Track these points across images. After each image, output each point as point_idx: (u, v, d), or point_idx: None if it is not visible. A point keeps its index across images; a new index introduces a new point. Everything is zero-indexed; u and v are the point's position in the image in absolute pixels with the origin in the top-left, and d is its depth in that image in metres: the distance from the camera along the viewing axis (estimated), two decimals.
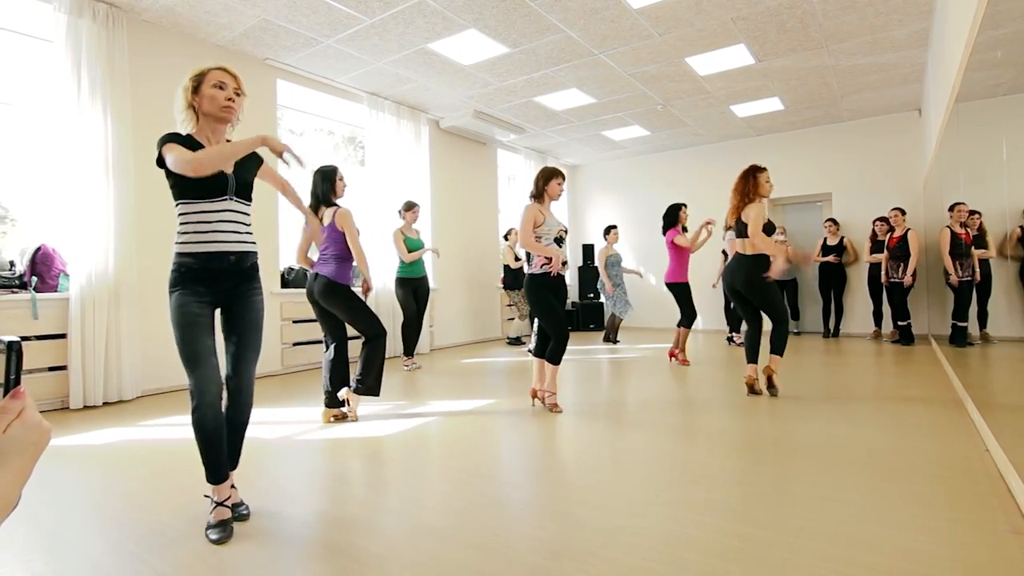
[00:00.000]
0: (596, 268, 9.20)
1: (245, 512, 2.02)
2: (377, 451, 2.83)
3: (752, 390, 3.87)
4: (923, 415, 3.24)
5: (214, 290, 1.96)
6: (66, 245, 4.05)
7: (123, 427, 3.41)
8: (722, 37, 5.05)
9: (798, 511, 1.94)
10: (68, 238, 4.01)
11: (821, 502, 2.01)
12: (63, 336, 3.96)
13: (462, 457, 2.70)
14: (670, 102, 6.85)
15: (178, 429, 3.34)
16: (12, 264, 4.02)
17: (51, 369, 3.92)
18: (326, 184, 3.39)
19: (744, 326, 4.22)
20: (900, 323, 6.58)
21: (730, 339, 7.03)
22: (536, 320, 3.69)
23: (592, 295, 9.24)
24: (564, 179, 3.60)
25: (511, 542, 1.77)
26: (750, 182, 3.84)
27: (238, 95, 2.00)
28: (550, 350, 3.52)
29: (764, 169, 3.89)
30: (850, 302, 7.69)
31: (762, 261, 3.82)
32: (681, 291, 5.36)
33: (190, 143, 1.90)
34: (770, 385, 3.82)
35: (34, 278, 3.92)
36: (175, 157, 1.79)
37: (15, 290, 3.85)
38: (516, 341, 7.54)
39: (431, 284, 6.99)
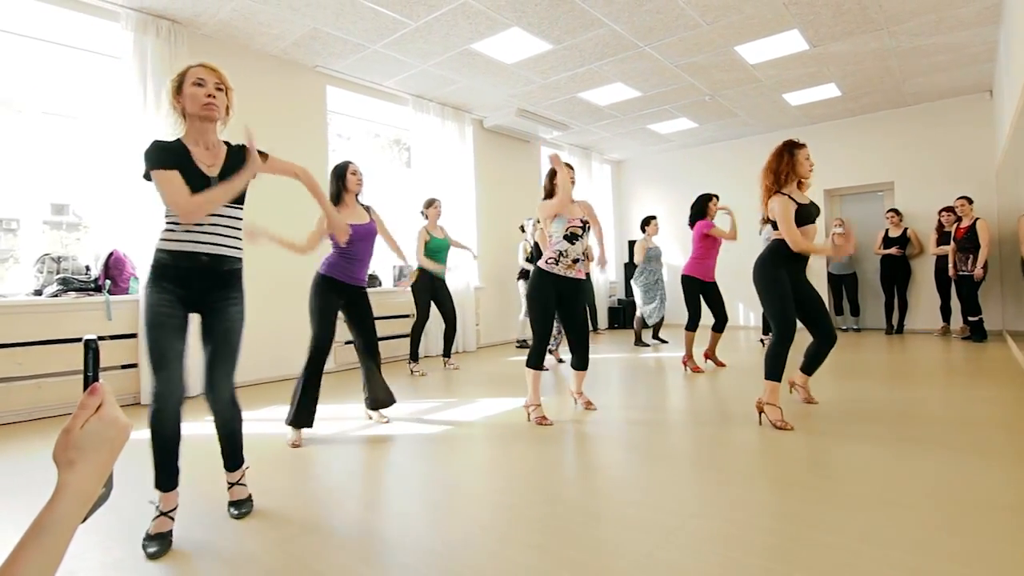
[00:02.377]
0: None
1: (246, 510, 2.03)
2: (424, 449, 2.88)
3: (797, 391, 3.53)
4: (998, 417, 3.04)
5: (186, 290, 1.91)
6: (136, 250, 4.28)
7: (190, 422, 3.57)
8: (774, 23, 4.87)
9: (863, 515, 1.86)
10: (138, 243, 4.24)
11: (886, 506, 1.92)
12: (134, 336, 4.20)
13: (510, 456, 2.71)
14: (719, 93, 6.67)
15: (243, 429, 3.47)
16: (87, 268, 4.29)
17: (124, 367, 4.16)
18: (335, 182, 3.21)
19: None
20: (971, 318, 6.19)
21: (762, 341, 6.62)
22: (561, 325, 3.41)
23: None
24: (573, 170, 3.44)
25: (566, 541, 1.76)
26: (784, 160, 3.13)
27: (220, 90, 1.91)
28: (530, 351, 3.34)
29: (804, 145, 3.16)
30: (915, 297, 7.29)
31: (780, 248, 3.13)
32: (692, 288, 4.94)
33: (178, 151, 1.86)
34: (760, 411, 3.13)
35: (107, 281, 4.17)
36: (171, 196, 1.78)
37: (91, 293, 4.11)
38: (524, 344, 7.07)
39: (477, 283, 7.06)
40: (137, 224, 4.22)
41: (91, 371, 0.70)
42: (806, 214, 3.10)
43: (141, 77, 4.20)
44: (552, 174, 3.42)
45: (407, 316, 6.22)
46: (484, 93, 6.44)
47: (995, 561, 1.54)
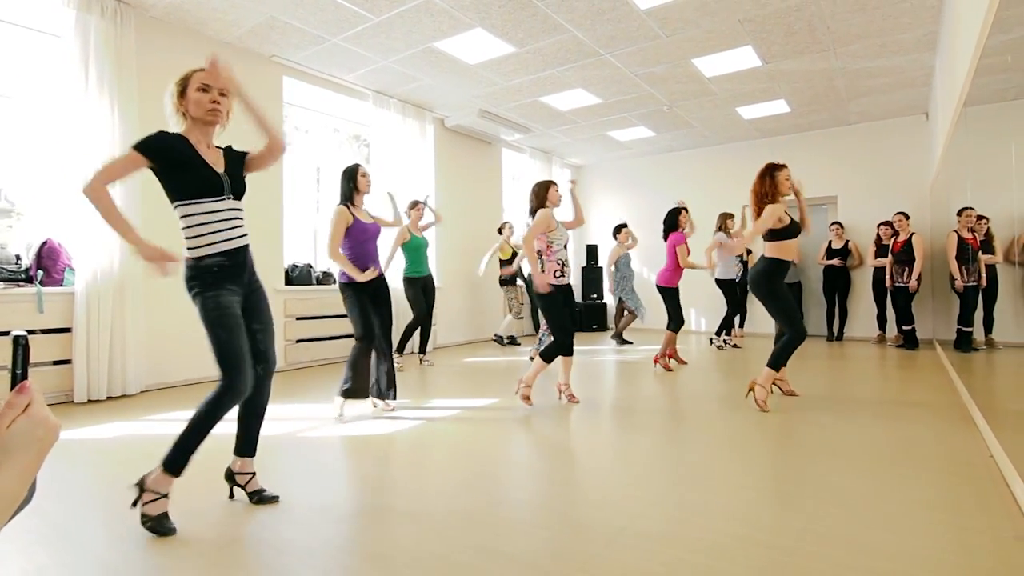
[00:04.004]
0: (600, 269, 9.20)
1: (271, 495, 2.12)
2: (381, 449, 2.84)
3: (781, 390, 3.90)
4: (927, 420, 3.23)
5: (240, 286, 2.03)
6: (72, 240, 4.06)
7: (127, 421, 3.42)
8: (729, 39, 5.04)
9: (800, 514, 1.94)
10: (74, 233, 4.02)
11: (824, 505, 2.01)
12: (68, 330, 3.98)
13: (465, 457, 2.71)
14: (676, 103, 6.84)
15: (181, 425, 3.35)
16: (18, 258, 4.04)
17: (56, 363, 3.93)
18: (347, 183, 3.45)
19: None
20: (904, 327, 6.56)
21: (711, 340, 6.97)
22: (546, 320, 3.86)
23: (595, 296, 9.23)
24: (559, 186, 3.77)
25: (514, 542, 1.77)
26: (767, 182, 3.59)
27: (224, 96, 2.00)
28: (545, 348, 3.69)
29: (783, 167, 3.62)
30: (854, 306, 7.66)
31: (774, 265, 3.62)
32: (671, 295, 5.25)
33: (180, 143, 1.93)
34: (751, 389, 3.60)
35: (40, 272, 3.94)
36: (107, 168, 1.82)
37: (21, 284, 3.87)
38: (512, 341, 7.33)
39: (436, 283, 7.01)
40: (74, 213, 4.00)
41: (20, 368, 0.66)
42: (791, 229, 3.59)
43: (83, 58, 3.99)
44: (543, 188, 3.68)
45: None
46: (446, 92, 6.41)
47: (918, 555, 1.63)
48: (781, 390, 3.97)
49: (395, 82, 6.03)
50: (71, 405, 3.86)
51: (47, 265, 4.00)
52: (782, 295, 3.59)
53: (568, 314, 3.69)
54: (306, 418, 3.46)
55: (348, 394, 3.44)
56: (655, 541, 1.76)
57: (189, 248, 1.95)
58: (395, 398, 3.64)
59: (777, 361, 3.56)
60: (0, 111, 4.21)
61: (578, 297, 9.93)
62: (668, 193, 8.98)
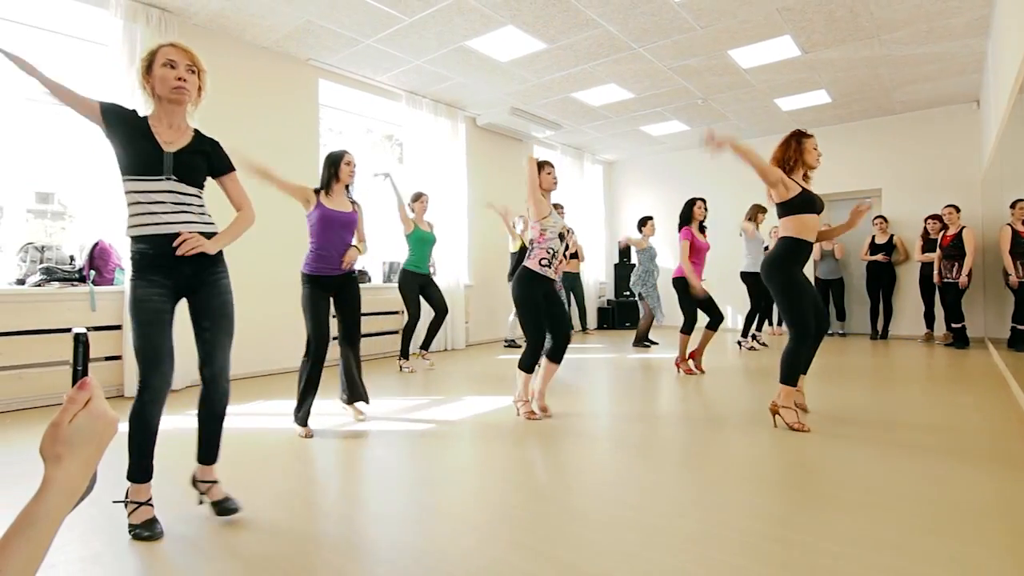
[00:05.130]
0: (632, 265, 9.09)
1: (234, 506, 1.93)
2: (410, 447, 2.87)
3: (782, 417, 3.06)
4: (980, 422, 3.09)
5: (174, 277, 1.88)
6: (122, 241, 4.23)
7: (174, 415, 3.53)
8: (767, 28, 4.91)
9: (844, 518, 1.88)
10: (124, 234, 4.18)
11: (868, 509, 1.94)
12: (119, 327, 4.15)
13: (496, 455, 2.72)
14: (711, 96, 6.71)
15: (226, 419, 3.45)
16: (72, 259, 4.23)
17: (108, 359, 4.11)
18: (328, 170, 3.15)
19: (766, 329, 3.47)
20: (954, 325, 6.28)
21: (739, 343, 6.47)
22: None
23: (628, 293, 9.13)
24: (553, 167, 3.44)
25: (553, 540, 1.77)
26: (792, 147, 3.10)
27: (192, 72, 1.87)
28: (522, 354, 3.31)
29: (811, 135, 3.15)
30: (900, 303, 7.38)
31: (791, 246, 3.02)
32: (681, 289, 4.91)
33: (132, 117, 1.86)
34: (774, 413, 3.06)
35: (92, 272, 4.12)
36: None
37: (75, 283, 4.05)
38: (513, 344, 6.94)
39: (467, 280, 7.05)
40: (124, 214, 4.16)
41: (80, 365, 0.69)
42: (810, 201, 3.04)
43: (129, 65, 4.14)
44: (536, 171, 3.42)
45: (396, 312, 6.21)
46: (478, 91, 6.43)
47: (969, 563, 1.57)
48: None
49: (427, 82, 6.08)
50: (122, 399, 4.03)
51: (99, 265, 4.17)
52: (796, 288, 3.00)
53: (548, 314, 3.29)
54: (327, 414, 3.50)
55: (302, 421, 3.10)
56: (690, 541, 1.73)
57: (127, 227, 1.89)
58: (367, 402, 3.38)
59: (789, 374, 3.01)
60: (53, 118, 4.42)
61: (610, 294, 9.84)
62: (703, 188, 8.79)
